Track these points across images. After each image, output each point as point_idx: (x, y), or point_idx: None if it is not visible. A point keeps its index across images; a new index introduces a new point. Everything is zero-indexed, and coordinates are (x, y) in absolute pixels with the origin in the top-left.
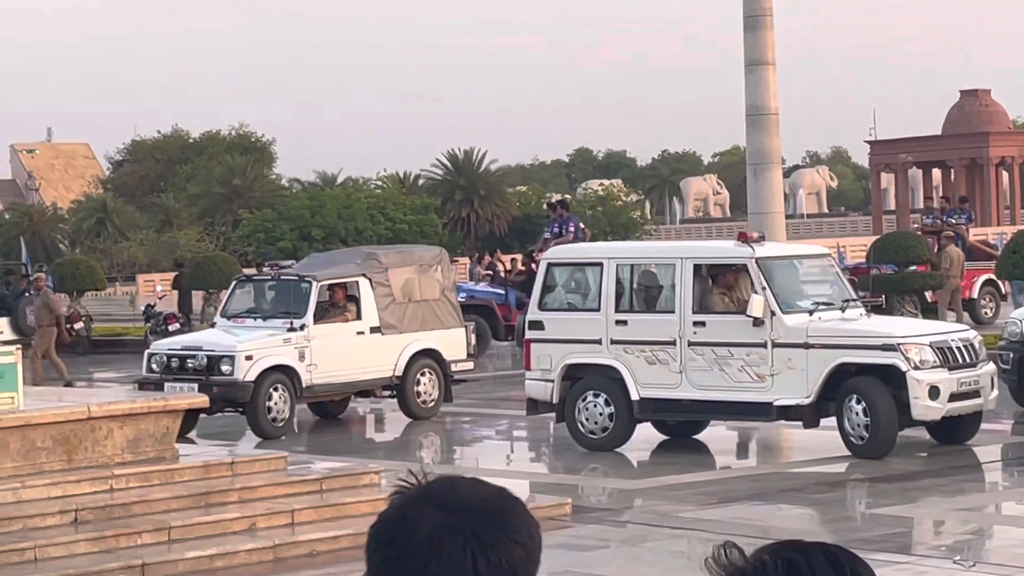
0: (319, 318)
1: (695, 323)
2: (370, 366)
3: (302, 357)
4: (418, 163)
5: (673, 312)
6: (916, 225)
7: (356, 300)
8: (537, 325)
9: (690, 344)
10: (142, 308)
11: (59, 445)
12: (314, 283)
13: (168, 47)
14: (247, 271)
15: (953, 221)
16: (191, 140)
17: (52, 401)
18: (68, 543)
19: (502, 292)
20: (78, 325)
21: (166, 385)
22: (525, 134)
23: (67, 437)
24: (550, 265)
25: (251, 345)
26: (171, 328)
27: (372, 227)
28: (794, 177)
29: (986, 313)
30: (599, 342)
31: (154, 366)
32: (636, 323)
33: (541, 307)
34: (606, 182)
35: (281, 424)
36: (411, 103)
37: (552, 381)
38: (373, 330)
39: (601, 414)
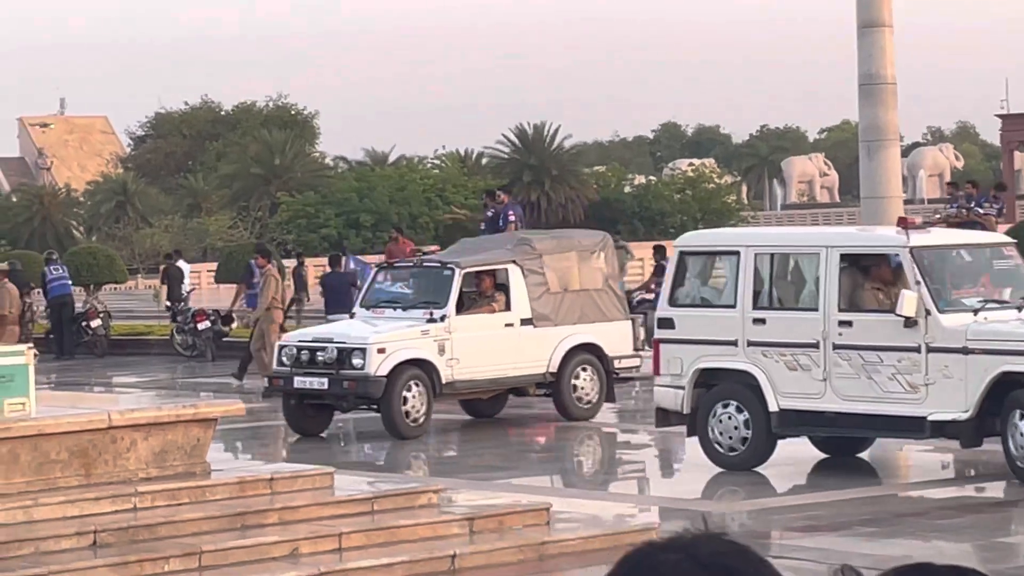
0: (465, 308)
1: (841, 323)
2: (520, 361)
3: (442, 351)
4: (481, 140)
5: (816, 310)
6: (938, 215)
7: (506, 289)
8: (667, 323)
9: (835, 347)
10: (167, 303)
11: (76, 458)
12: (457, 270)
13: (196, 7)
14: (286, 262)
15: (981, 211)
16: (222, 113)
17: (67, 408)
18: (86, 569)
19: None
20: (95, 323)
21: (295, 379)
22: (604, 107)
23: (85, 449)
24: (682, 254)
25: (384, 337)
26: (200, 327)
27: (429, 212)
28: (913, 156)
29: None
30: (735, 343)
31: (284, 359)
32: (775, 322)
33: (672, 302)
34: (696, 161)
35: (418, 423)
36: (473, 71)
37: (683, 388)
38: (524, 322)
39: (737, 428)
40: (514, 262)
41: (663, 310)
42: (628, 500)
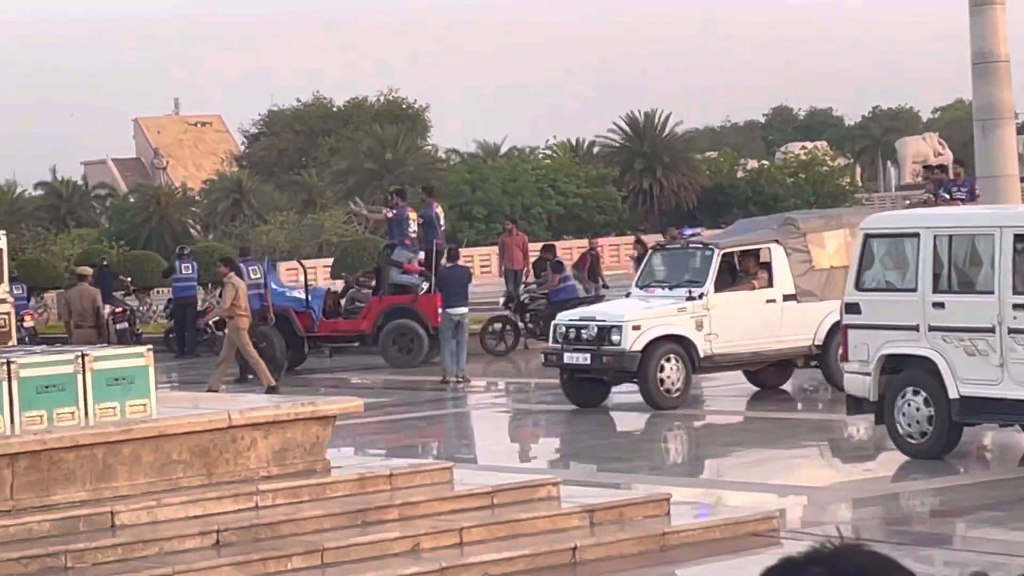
0: (730, 287)
1: (1016, 306)
2: (783, 335)
3: (699, 326)
4: (592, 128)
5: (992, 293)
6: (908, 202)
7: (769, 267)
8: (853, 308)
9: (1010, 331)
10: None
11: (197, 458)
12: (716, 251)
13: (305, 2)
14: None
15: (948, 197)
16: (335, 109)
17: (188, 408)
18: (210, 568)
19: (302, 298)
20: (214, 321)
21: (565, 355)
22: (714, 92)
23: (206, 449)
24: (867, 236)
25: (640, 315)
26: None
27: (541, 202)
28: None
29: None
30: (916, 328)
31: (557, 337)
32: (954, 306)
33: (858, 286)
34: (809, 144)
35: (675, 395)
36: (582, 60)
37: (870, 374)
38: (787, 298)
39: (920, 415)
40: (776, 241)
41: (850, 294)
42: (756, 489)
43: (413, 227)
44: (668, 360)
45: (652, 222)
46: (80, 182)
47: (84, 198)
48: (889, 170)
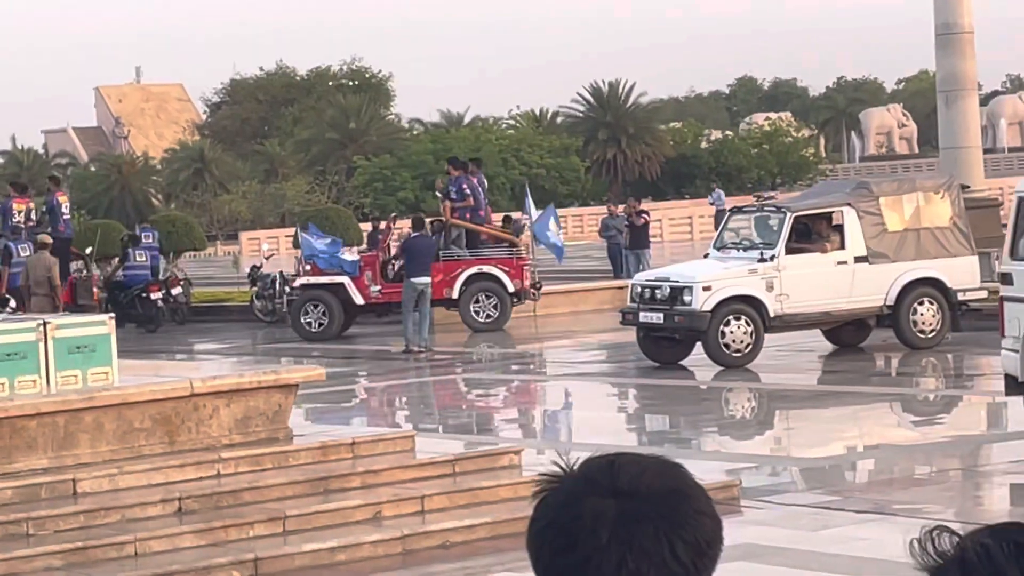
0: (803, 249)
1: None
2: (854, 296)
3: (770, 287)
4: (556, 99)
5: None
6: (437, 194)
7: (841, 230)
8: (1007, 279)
9: None
10: (247, 270)
11: (159, 426)
12: (788, 214)
13: None
14: (363, 226)
15: (441, 196)
16: (297, 78)
17: (150, 376)
18: (171, 535)
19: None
20: (176, 290)
21: (640, 314)
22: (679, 62)
23: (168, 416)
24: (1021, 200)
25: (711, 276)
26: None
27: (505, 172)
28: (993, 105)
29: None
30: None
31: (634, 296)
32: None
33: (1013, 255)
34: (773, 115)
35: (739, 355)
36: (546, 29)
37: (1018, 351)
38: (858, 259)
39: None
40: (849, 204)
41: (1005, 264)
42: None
43: (17, 217)
44: (736, 319)
45: (615, 192)
46: (41, 151)
47: (45, 167)
48: (853, 141)
